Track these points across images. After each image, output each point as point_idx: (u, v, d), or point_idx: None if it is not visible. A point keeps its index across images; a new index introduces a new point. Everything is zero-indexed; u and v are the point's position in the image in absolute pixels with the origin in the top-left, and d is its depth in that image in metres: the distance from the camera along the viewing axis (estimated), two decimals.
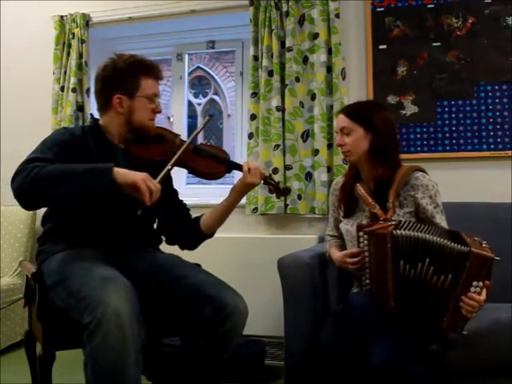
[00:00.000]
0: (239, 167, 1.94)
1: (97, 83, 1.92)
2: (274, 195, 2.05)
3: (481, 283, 1.66)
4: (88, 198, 1.68)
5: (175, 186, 2.12)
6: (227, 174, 2.04)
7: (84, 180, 1.61)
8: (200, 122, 7.78)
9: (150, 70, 1.90)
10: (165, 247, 2.04)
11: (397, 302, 1.76)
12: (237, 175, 2.72)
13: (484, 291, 1.67)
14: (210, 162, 1.93)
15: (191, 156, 1.90)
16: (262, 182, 1.97)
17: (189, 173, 2.00)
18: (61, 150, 1.76)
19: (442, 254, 1.71)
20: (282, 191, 2.01)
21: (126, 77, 1.85)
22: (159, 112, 1.93)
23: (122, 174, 1.62)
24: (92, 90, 2.99)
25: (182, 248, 2.05)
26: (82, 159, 1.76)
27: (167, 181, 2.01)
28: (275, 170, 2.81)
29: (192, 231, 2.00)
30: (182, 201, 2.10)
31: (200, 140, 6.74)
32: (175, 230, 2.03)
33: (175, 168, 1.84)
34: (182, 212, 2.06)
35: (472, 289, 1.66)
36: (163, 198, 1.77)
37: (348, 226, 2.01)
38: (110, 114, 1.90)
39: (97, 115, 1.97)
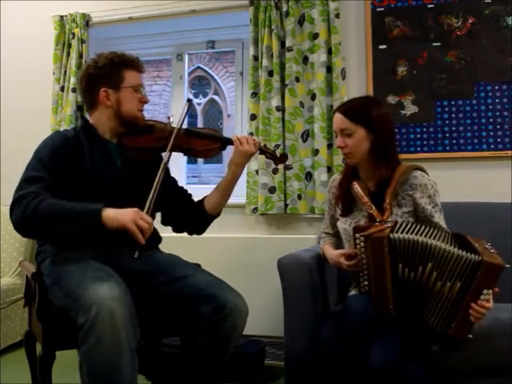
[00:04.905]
0: (232, 142, 1.98)
1: (82, 83, 1.95)
2: (273, 165, 2.04)
3: (490, 291, 1.65)
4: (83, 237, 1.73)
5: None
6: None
7: (75, 225, 1.67)
8: (200, 121, 7.79)
9: (131, 63, 1.93)
10: (165, 247, 2.04)
11: (396, 304, 1.74)
12: None
13: (491, 297, 1.66)
14: (203, 140, 1.97)
15: (184, 139, 1.94)
16: (259, 151, 2.00)
17: (185, 155, 2.06)
18: (54, 158, 1.78)
19: (448, 261, 1.68)
20: (279, 158, 2.05)
21: (109, 71, 1.89)
22: (146, 102, 1.96)
23: (111, 218, 1.66)
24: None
25: (191, 233, 2.07)
26: (76, 161, 1.81)
27: (165, 172, 2.02)
28: (275, 170, 2.81)
29: (198, 215, 2.02)
30: (182, 187, 2.12)
31: None
32: (181, 218, 2.05)
33: (174, 167, 1.84)
34: (185, 198, 2.07)
35: (482, 296, 1.65)
36: (162, 192, 1.78)
37: (345, 225, 1.97)
38: (98, 110, 1.92)
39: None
